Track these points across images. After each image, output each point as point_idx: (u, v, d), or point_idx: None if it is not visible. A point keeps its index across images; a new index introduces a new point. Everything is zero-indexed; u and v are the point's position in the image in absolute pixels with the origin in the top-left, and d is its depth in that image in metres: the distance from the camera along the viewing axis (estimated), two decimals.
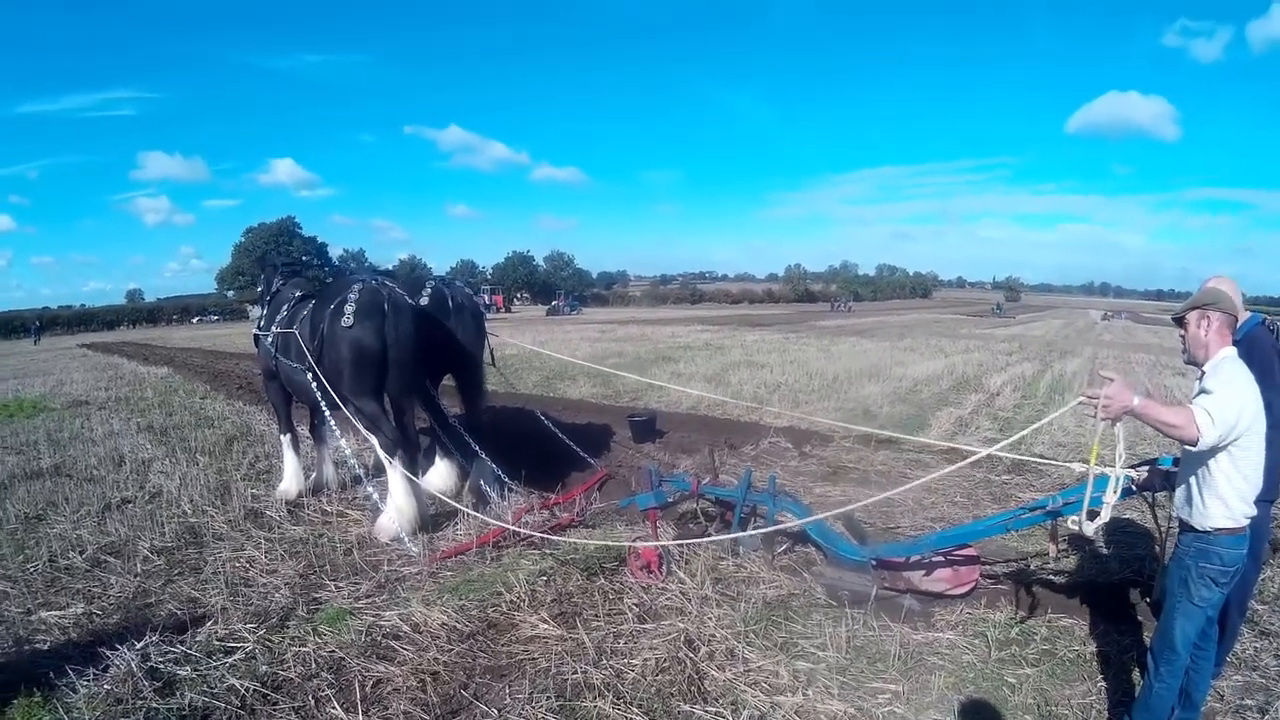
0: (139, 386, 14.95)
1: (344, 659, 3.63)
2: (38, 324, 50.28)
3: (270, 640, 3.82)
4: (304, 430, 6.67)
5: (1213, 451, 2.22)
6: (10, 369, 21.12)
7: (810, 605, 3.83)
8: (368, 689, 3.40)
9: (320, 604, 4.34)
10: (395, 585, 4.44)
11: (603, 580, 4.25)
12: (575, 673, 3.29)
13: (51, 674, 3.29)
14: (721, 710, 3.00)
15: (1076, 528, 2.61)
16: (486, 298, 49.57)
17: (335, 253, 71.56)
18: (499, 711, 3.18)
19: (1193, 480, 2.36)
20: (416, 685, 3.41)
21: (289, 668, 3.56)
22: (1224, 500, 2.28)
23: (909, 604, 3.38)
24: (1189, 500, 2.38)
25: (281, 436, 5.99)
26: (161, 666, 3.45)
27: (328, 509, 6.02)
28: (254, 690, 3.32)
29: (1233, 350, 2.35)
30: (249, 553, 5.10)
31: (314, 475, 6.04)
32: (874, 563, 3.68)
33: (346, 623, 4.00)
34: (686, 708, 3.03)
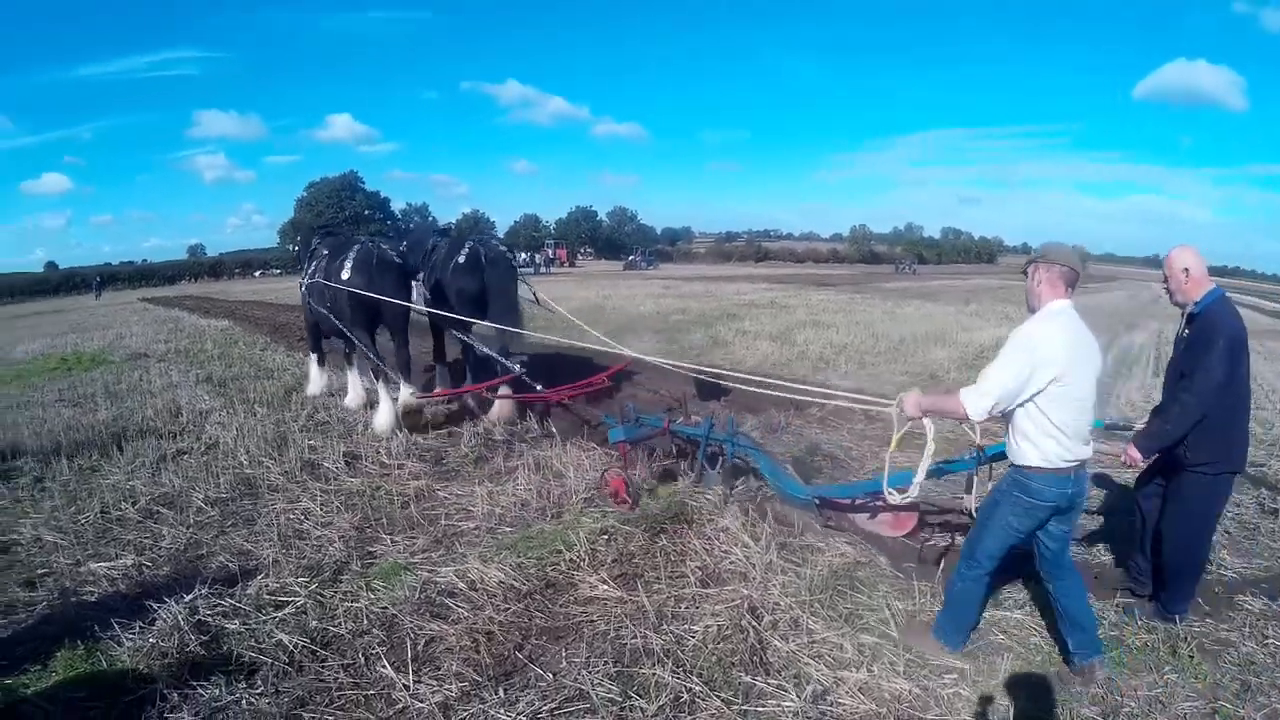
0: (199, 339, 18.32)
1: (397, 616, 4.53)
2: (99, 279, 63.49)
3: (322, 595, 4.83)
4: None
5: (1031, 397, 3.43)
6: (70, 323, 26.90)
7: (876, 577, 4.78)
8: (419, 647, 4.22)
9: (375, 558, 5.41)
10: (453, 540, 5.60)
11: (665, 541, 5.27)
12: (635, 637, 4.10)
13: (96, 626, 4.46)
14: (784, 683, 3.71)
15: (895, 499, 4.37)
16: (550, 251, 68.76)
17: (398, 207, 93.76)
18: (554, 675, 3.89)
19: (1010, 425, 3.62)
20: (470, 645, 4.19)
21: (340, 623, 4.50)
22: (1034, 443, 3.49)
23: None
24: (1009, 440, 3.66)
25: (309, 355, 10.45)
26: (209, 619, 4.53)
27: (386, 460, 7.43)
28: (303, 646, 4.25)
29: (1062, 304, 3.52)
30: (304, 505, 6.38)
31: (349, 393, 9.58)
32: (817, 501, 5.32)
33: (401, 578, 4.95)
34: (748, 679, 3.76)
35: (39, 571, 5.35)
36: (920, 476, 4.10)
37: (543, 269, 61.38)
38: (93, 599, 4.93)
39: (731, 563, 4.90)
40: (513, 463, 7.29)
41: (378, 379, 8.30)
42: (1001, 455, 4.11)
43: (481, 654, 4.09)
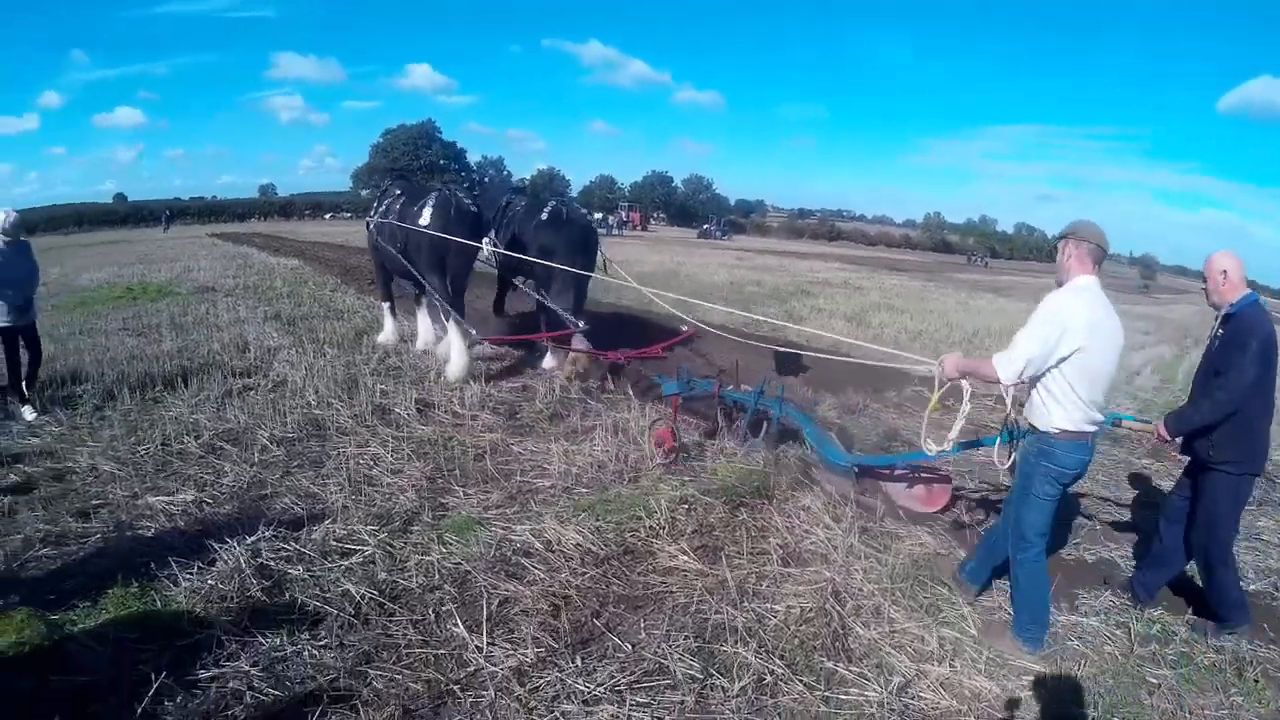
0: (268, 276, 18.63)
1: (470, 573, 4.44)
2: (168, 213, 65.68)
3: (391, 545, 4.71)
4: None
5: (1057, 364, 3.76)
6: (137, 254, 27.86)
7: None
8: (493, 607, 4.10)
9: (447, 510, 5.32)
10: (527, 498, 5.60)
11: (745, 515, 5.35)
12: (716, 613, 4.15)
13: (152, 564, 4.42)
14: (866, 671, 3.80)
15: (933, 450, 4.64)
16: (624, 214, 69.93)
17: (474, 159, 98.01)
18: (633, 646, 3.90)
19: (1039, 387, 3.89)
20: (547, 609, 4.12)
21: (410, 576, 4.38)
22: (1062, 406, 3.80)
23: (1053, 580, 4.42)
24: (1034, 404, 3.94)
25: (381, 304, 10.62)
26: (272, 564, 4.45)
27: (459, 410, 7.45)
28: (370, 598, 4.13)
29: (1088, 279, 3.86)
30: (374, 450, 6.30)
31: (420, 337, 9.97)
32: (856, 469, 5.70)
33: (474, 533, 4.86)
34: (830, 664, 3.85)
35: (94, 502, 5.33)
36: (955, 431, 4.49)
37: (615, 230, 62.22)
38: (149, 534, 4.88)
39: (813, 543, 5.00)
40: (589, 422, 7.34)
41: (448, 320, 8.58)
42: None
43: (560, 619, 4.01)
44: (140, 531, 4.91)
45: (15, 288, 7.10)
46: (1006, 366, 3.82)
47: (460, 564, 4.49)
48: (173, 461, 6.07)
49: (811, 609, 4.20)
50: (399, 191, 9.60)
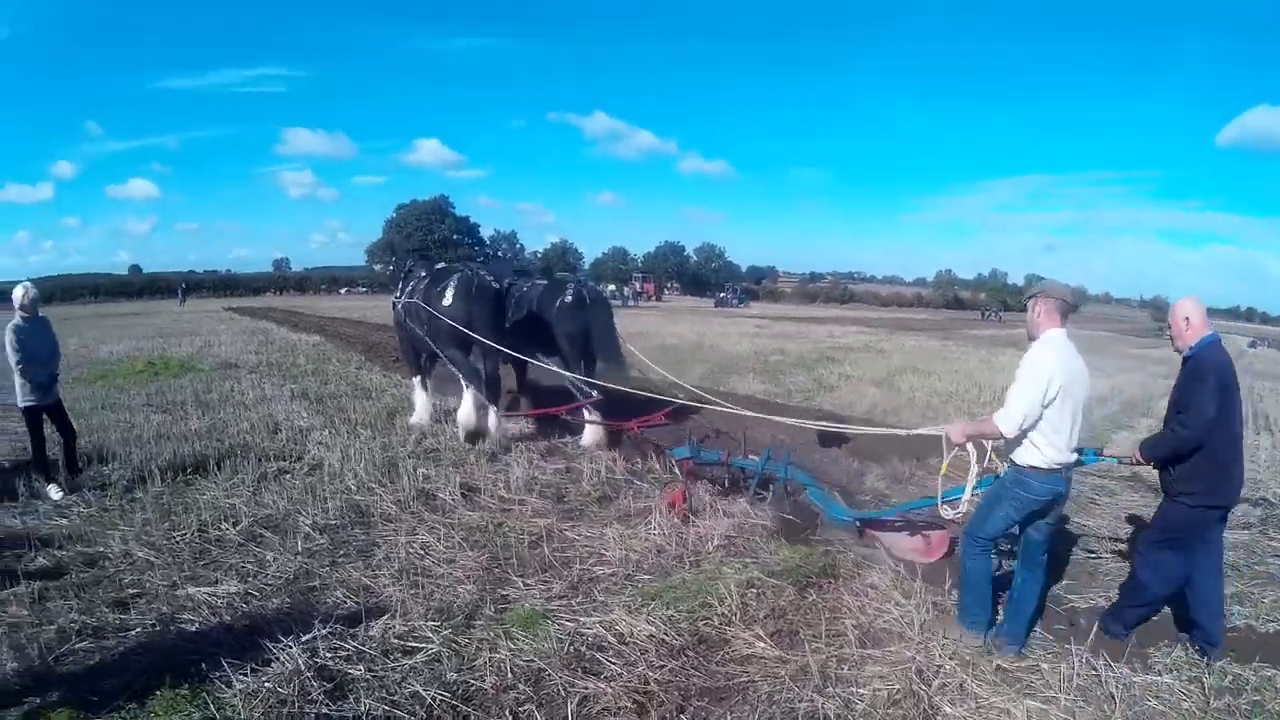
0: (290, 353, 18.90)
1: (544, 670, 4.30)
2: (184, 285, 67.23)
3: (456, 642, 4.57)
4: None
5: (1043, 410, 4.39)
6: (155, 328, 28.37)
7: (1029, 639, 4.91)
8: (574, 706, 3.98)
9: (509, 603, 5.19)
10: (590, 586, 5.54)
11: (814, 596, 5.41)
12: (801, 701, 4.13)
13: (202, 663, 4.29)
14: None
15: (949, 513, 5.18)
16: (638, 285, 73.44)
17: (486, 233, 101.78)
18: None
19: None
20: (631, 706, 4.01)
21: (480, 675, 4.24)
22: (1036, 446, 4.44)
23: (1130, 641, 4.90)
24: (1015, 443, 4.54)
25: (413, 379, 10.85)
26: (332, 664, 4.32)
27: (505, 494, 7.41)
28: (441, 700, 3.99)
29: (1057, 332, 4.51)
30: (423, 538, 6.21)
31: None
32: (858, 524, 6.30)
33: (543, 627, 4.74)
34: None
35: (130, 591, 5.24)
36: (968, 493, 5.03)
37: (630, 302, 63.44)
38: (193, 628, 4.77)
39: (886, 621, 5.02)
40: (640, 504, 7.29)
41: (466, 389, 9.15)
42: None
43: (648, 717, 3.93)
44: (184, 625, 4.80)
45: (38, 365, 7.19)
46: (1007, 422, 4.41)
47: (532, 661, 4.36)
48: (211, 549, 5.98)
49: (899, 690, 4.19)
50: (423, 273, 10.12)
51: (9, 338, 7.08)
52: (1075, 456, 4.65)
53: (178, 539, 6.12)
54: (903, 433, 6.33)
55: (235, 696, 3.93)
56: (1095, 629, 4.96)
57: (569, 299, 9.79)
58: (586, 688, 4.14)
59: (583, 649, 4.53)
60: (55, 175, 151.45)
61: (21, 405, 7.24)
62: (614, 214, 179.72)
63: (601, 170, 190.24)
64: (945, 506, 5.16)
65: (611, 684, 4.18)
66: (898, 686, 4.21)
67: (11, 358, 7.08)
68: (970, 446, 4.93)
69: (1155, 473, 5.07)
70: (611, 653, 4.50)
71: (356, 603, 5.07)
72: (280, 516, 6.63)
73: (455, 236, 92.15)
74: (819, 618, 5.03)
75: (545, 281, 10.64)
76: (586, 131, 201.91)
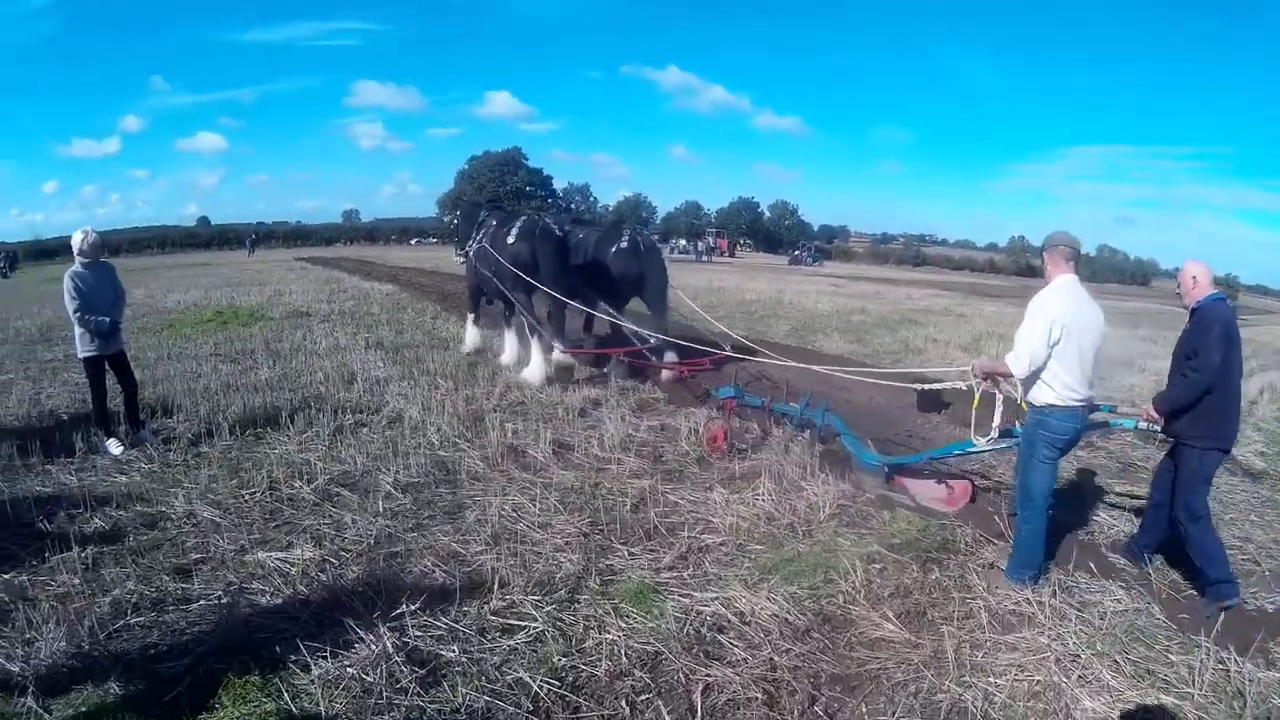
0: (364, 301, 18.99)
1: (662, 653, 4.01)
2: (254, 235, 69.30)
3: (561, 620, 4.25)
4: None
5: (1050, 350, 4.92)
6: (224, 278, 28.90)
7: (1154, 627, 4.80)
8: (694, 697, 3.70)
9: (615, 575, 4.89)
10: (699, 557, 5.33)
11: (938, 574, 5.25)
12: (941, 691, 3.97)
13: (275, 645, 4.03)
14: None
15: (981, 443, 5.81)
16: (711, 239, 75.83)
17: (559, 185, 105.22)
18: None
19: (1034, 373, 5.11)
20: (761, 696, 3.75)
21: (592, 660, 3.92)
22: (1049, 385, 4.97)
23: (1257, 637, 4.69)
24: (1030, 385, 5.11)
25: (467, 315, 12.44)
26: (422, 645, 4.03)
27: (599, 453, 7.18)
28: (549, 689, 3.67)
29: (1065, 277, 5.09)
30: (514, 499, 5.93)
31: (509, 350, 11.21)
32: (886, 469, 6.74)
33: (655, 603, 4.47)
34: None
35: (194, 556, 5.04)
36: (997, 419, 5.59)
37: (704, 257, 66.11)
38: (263, 600, 4.52)
39: (1013, 604, 4.87)
40: (743, 465, 7.13)
41: (532, 335, 10.17)
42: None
43: (777, 708, 3.72)
44: (253, 597, 4.54)
45: (99, 313, 7.00)
46: (1016, 363, 4.91)
47: (648, 643, 4.06)
48: (283, 509, 5.77)
49: (1039, 682, 4.07)
50: (493, 221, 11.12)
51: (68, 284, 6.91)
52: (1091, 394, 5.04)
53: (247, 498, 5.94)
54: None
55: (313, 684, 3.65)
56: (1220, 619, 4.87)
57: (624, 245, 10.96)
58: (710, 674, 3.88)
59: (701, 629, 4.30)
60: (122, 129, 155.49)
61: (81, 355, 7.11)
62: (687, 169, 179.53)
63: (675, 124, 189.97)
64: (979, 439, 5.74)
65: (737, 670, 3.93)
66: (1038, 678, 4.10)
67: (70, 305, 6.92)
68: (992, 386, 5.56)
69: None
70: (733, 634, 4.28)
71: (446, 572, 4.79)
72: (358, 474, 6.42)
73: (528, 188, 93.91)
74: (946, 598, 4.91)
75: (602, 229, 12.08)
76: (661, 85, 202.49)
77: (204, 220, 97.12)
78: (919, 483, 6.73)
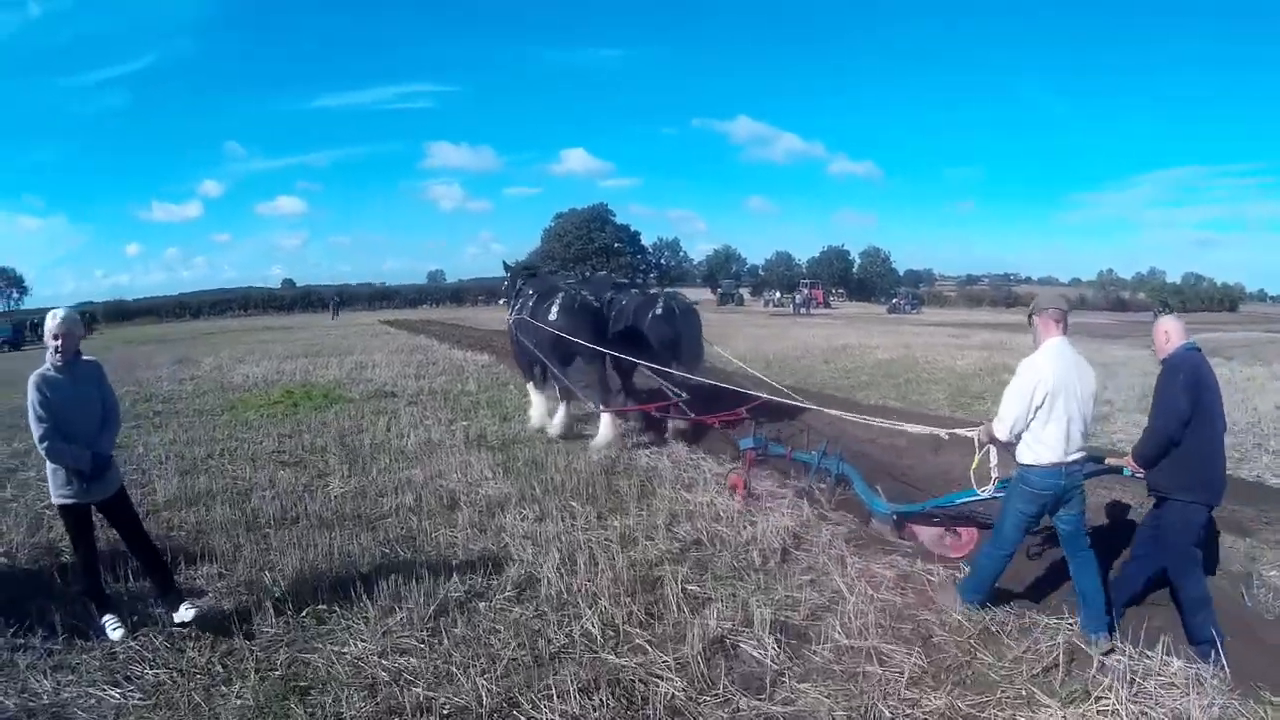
0: (457, 376, 16.80)
1: None
2: (337, 299, 68.82)
3: None
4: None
5: (1034, 413, 5.10)
6: (302, 345, 27.20)
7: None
8: None
9: None
10: None
11: None
12: None
13: None
14: None
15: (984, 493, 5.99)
16: (806, 290, 72.96)
17: (647, 241, 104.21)
18: None
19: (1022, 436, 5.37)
20: None
21: None
22: (1029, 445, 5.14)
23: None
24: (1017, 443, 5.35)
25: (528, 384, 11.93)
26: None
27: (848, 641, 5.03)
28: None
29: (1054, 340, 5.15)
30: None
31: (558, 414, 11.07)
32: (895, 516, 7.19)
33: None
34: None
35: None
36: (996, 472, 5.80)
37: (802, 309, 63.46)
38: None
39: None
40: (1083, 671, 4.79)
41: (573, 399, 10.70)
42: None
43: None
44: None
45: (76, 440, 4.74)
46: (999, 426, 5.17)
47: None
48: None
49: None
50: (531, 291, 11.51)
51: (31, 395, 4.65)
52: (1077, 455, 5.12)
53: None
54: (944, 434, 6.99)
55: None
56: None
57: (659, 311, 11.45)
58: None
59: None
60: (202, 194, 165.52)
61: (55, 500, 4.86)
62: (766, 219, 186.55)
63: (750, 175, 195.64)
64: (987, 488, 5.86)
65: None
66: None
67: (35, 429, 4.68)
68: (991, 447, 5.71)
69: None
70: None
71: None
72: (484, 713, 3.96)
73: (616, 245, 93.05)
74: None
75: (641, 295, 12.63)
76: (732, 137, 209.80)
77: (289, 282, 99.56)
78: (927, 530, 6.96)
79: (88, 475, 4.73)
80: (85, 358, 4.98)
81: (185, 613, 4.83)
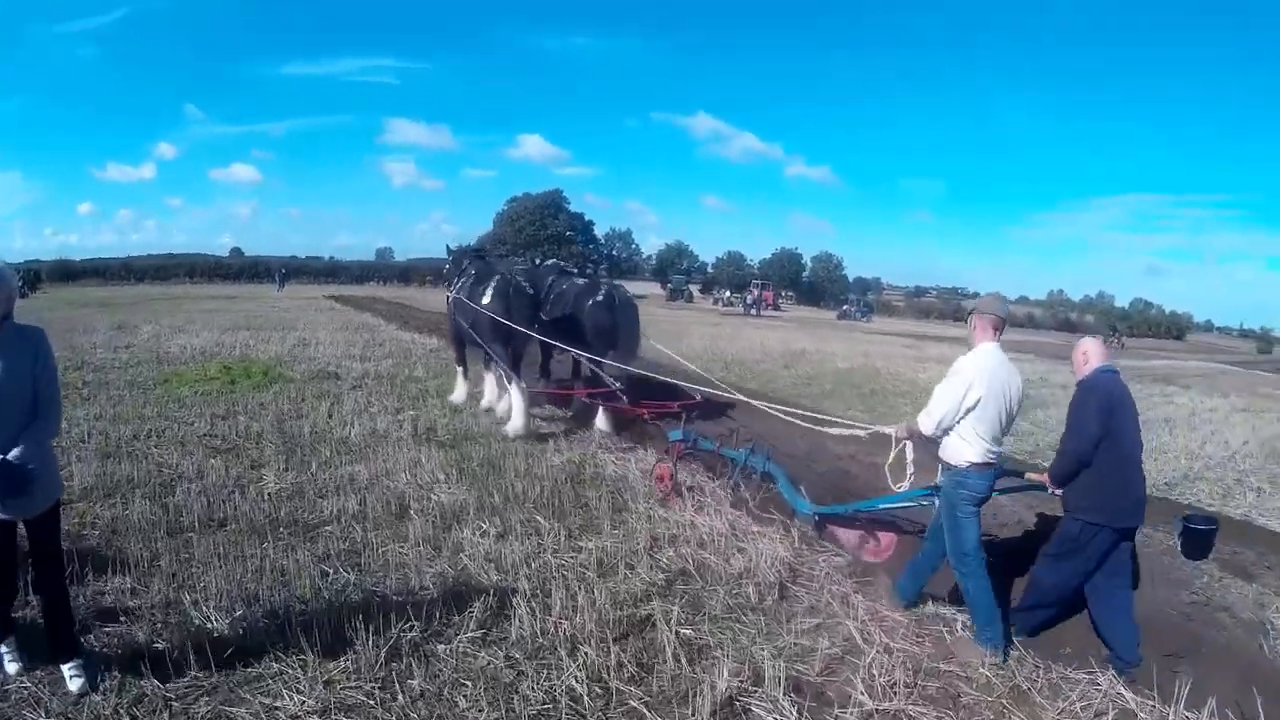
0: (404, 360, 15.93)
1: None
2: (283, 270, 66.42)
3: None
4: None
5: (965, 413, 5.17)
6: (245, 316, 25.96)
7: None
8: None
9: None
10: None
11: None
12: None
13: None
14: None
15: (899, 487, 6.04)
16: (756, 292, 72.75)
17: (600, 231, 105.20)
18: None
19: (952, 432, 5.29)
20: None
21: None
22: (968, 443, 5.18)
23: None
24: (947, 446, 5.33)
25: (456, 367, 12.55)
26: None
27: (871, 703, 4.50)
28: None
29: (988, 345, 5.31)
30: None
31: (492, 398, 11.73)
32: (816, 518, 7.18)
33: None
34: None
35: None
36: (910, 469, 5.80)
37: (752, 310, 64.29)
38: None
39: None
40: None
41: (509, 383, 10.39)
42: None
43: None
44: None
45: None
46: (926, 420, 5.24)
47: None
48: None
49: None
50: (473, 272, 11.65)
51: None
52: (1001, 454, 5.35)
53: None
54: (862, 432, 6.97)
55: None
56: None
57: (600, 298, 11.57)
58: None
59: None
60: (157, 156, 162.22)
61: None
62: (720, 217, 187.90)
63: (707, 172, 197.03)
64: (903, 484, 5.88)
65: None
66: None
67: None
68: (908, 443, 5.80)
69: None
70: None
71: None
72: None
73: (569, 233, 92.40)
74: None
75: (583, 281, 12.84)
76: (691, 132, 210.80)
77: (237, 251, 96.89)
78: (847, 532, 7.06)
79: (5, 486, 3.61)
80: (20, 324, 3.84)
81: (73, 682, 3.81)
